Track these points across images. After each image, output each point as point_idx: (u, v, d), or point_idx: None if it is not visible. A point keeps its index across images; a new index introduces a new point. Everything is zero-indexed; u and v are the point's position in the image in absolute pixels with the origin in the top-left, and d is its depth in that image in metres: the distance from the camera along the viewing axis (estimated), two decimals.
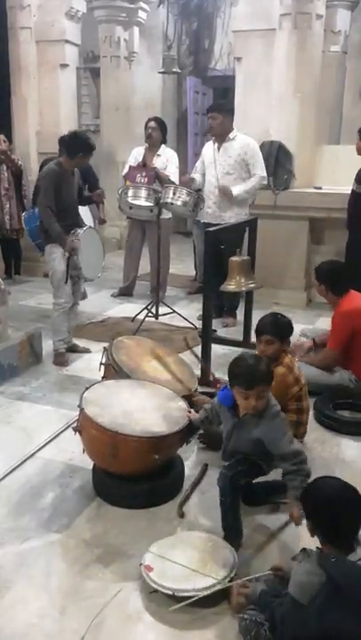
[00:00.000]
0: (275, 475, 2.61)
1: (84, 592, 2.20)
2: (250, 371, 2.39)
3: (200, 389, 3.49)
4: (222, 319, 5.29)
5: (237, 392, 2.42)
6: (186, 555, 2.25)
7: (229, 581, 2.12)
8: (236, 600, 2.07)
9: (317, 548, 1.86)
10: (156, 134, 5.69)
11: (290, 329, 3.14)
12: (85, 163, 4.53)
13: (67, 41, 7.34)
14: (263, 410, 2.41)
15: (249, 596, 2.04)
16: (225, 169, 5.03)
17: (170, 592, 2.09)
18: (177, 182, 5.49)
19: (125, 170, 5.72)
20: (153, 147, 5.73)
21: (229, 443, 2.58)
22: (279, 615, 1.83)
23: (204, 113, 9.54)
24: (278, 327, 3.07)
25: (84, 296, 5.52)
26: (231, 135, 5.05)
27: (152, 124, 5.72)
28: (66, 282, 4.26)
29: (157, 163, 5.64)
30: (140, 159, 5.72)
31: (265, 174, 5.08)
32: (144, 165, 5.60)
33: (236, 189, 4.96)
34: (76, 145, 4.23)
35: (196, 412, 2.85)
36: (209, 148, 5.23)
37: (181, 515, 2.62)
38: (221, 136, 5.06)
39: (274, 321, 3.11)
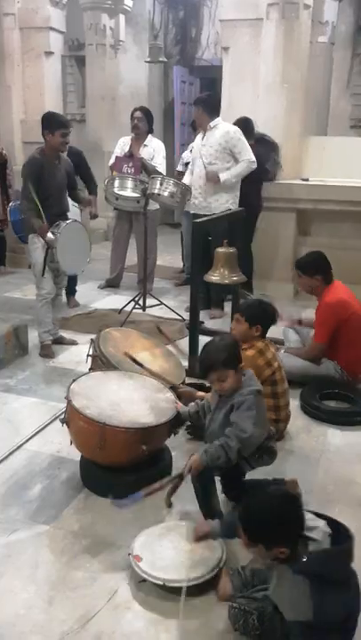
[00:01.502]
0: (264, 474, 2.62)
1: (72, 582, 2.20)
2: (203, 358, 2.52)
3: (188, 380, 3.50)
4: (210, 311, 5.29)
5: None
6: (174, 544, 2.27)
7: (218, 570, 2.14)
8: (223, 588, 2.09)
9: (242, 567, 1.97)
10: (142, 124, 5.66)
11: (263, 315, 3.12)
12: (69, 147, 4.49)
13: (51, 28, 7.26)
14: (236, 390, 2.45)
15: (236, 585, 2.06)
16: (207, 159, 5.03)
17: (160, 582, 2.10)
18: (164, 173, 5.47)
19: (112, 160, 5.68)
20: (139, 137, 5.69)
21: (210, 425, 2.59)
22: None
23: (191, 103, 9.54)
24: (250, 309, 3.13)
25: (72, 291, 5.49)
26: (212, 124, 5.04)
27: (138, 113, 5.68)
28: (43, 274, 4.24)
29: (144, 153, 5.61)
30: (127, 149, 5.68)
31: (253, 159, 5.07)
32: (131, 156, 5.56)
33: (224, 175, 4.96)
34: (54, 120, 4.22)
35: (184, 404, 2.86)
36: (197, 139, 5.28)
37: (169, 504, 2.62)
38: (203, 125, 5.10)
39: (251, 303, 3.19)
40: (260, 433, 2.42)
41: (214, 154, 5.02)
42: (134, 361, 3.28)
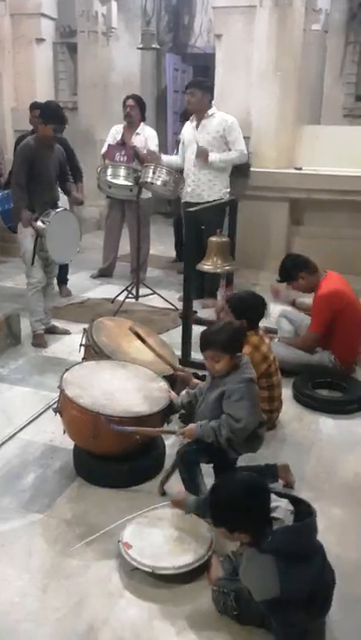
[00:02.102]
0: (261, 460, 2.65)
1: (66, 570, 2.21)
2: (203, 335, 2.54)
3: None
4: (203, 300, 5.29)
5: None
6: (164, 532, 2.29)
7: (208, 557, 2.16)
8: (214, 573, 2.12)
9: (233, 552, 1.99)
10: (135, 112, 5.62)
11: (250, 309, 3.10)
12: (61, 137, 4.46)
13: (42, 14, 7.17)
14: (228, 374, 2.48)
15: (227, 570, 2.10)
16: (204, 145, 4.99)
17: (149, 569, 2.12)
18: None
19: (104, 148, 5.64)
20: (132, 125, 5.65)
21: (200, 405, 2.62)
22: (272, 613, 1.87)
23: (183, 91, 9.46)
24: (237, 303, 3.14)
25: (64, 280, 5.46)
26: (210, 112, 5.02)
27: (130, 101, 5.64)
28: (32, 263, 4.22)
29: (137, 141, 5.58)
30: (119, 137, 5.64)
31: (245, 151, 5.06)
32: (123, 144, 5.53)
33: (213, 155, 4.94)
34: (52, 114, 4.18)
35: (180, 390, 2.88)
36: (188, 127, 5.20)
37: (162, 493, 2.64)
38: (200, 112, 5.03)
39: (239, 297, 3.20)
40: (253, 421, 2.45)
41: (211, 141, 5.00)
42: (138, 336, 3.29)
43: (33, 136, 4.27)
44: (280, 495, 1.93)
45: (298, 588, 1.79)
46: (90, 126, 8.04)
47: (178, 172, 4.95)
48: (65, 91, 8.97)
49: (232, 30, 5.77)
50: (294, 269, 3.82)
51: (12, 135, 7.07)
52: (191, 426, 2.50)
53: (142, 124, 5.71)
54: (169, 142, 8.80)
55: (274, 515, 1.85)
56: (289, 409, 3.39)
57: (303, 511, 1.88)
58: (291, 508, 1.88)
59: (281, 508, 1.86)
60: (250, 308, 3.11)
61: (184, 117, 5.86)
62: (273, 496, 1.90)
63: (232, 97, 5.66)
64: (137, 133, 5.64)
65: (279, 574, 1.76)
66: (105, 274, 6.12)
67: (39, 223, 4.10)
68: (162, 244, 7.29)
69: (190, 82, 5.43)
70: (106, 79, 8.17)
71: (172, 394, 2.86)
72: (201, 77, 6.08)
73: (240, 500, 1.84)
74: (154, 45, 7.15)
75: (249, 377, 2.49)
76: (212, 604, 2.04)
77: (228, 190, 5.14)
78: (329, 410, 3.47)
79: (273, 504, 1.87)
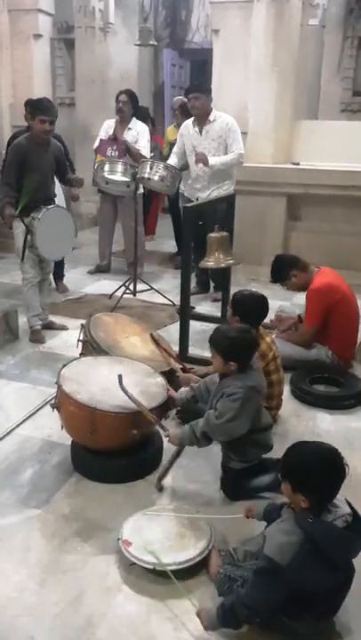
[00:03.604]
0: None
1: (64, 565, 2.21)
2: (216, 331, 2.64)
3: (178, 366, 3.50)
4: (212, 294, 5.30)
5: None
6: (163, 528, 2.28)
7: (208, 552, 2.16)
8: (214, 567, 2.11)
9: (234, 548, 1.97)
10: (127, 108, 5.59)
11: (252, 310, 3.08)
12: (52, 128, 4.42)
13: (40, 10, 7.16)
14: (233, 377, 2.52)
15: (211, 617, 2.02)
16: (210, 152, 4.94)
17: (150, 566, 2.12)
18: (147, 156, 5.43)
19: (96, 143, 5.63)
20: (124, 120, 5.64)
21: (209, 406, 2.64)
22: (250, 584, 1.86)
23: (181, 87, 9.44)
24: (239, 304, 3.12)
25: (60, 276, 5.45)
26: (211, 117, 4.96)
27: (123, 97, 5.62)
28: (22, 259, 4.21)
29: (128, 136, 5.56)
30: (111, 132, 5.62)
31: (243, 151, 5.05)
32: (115, 139, 5.52)
33: (213, 159, 4.92)
34: (32, 104, 4.16)
35: (176, 388, 2.88)
36: (189, 130, 5.10)
37: (160, 488, 2.65)
38: (204, 116, 4.97)
39: (241, 297, 3.16)
40: (239, 426, 2.45)
41: (217, 147, 4.96)
42: (156, 343, 3.30)
43: (26, 135, 4.22)
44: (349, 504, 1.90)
45: (301, 578, 1.77)
46: (87, 122, 8.02)
47: (175, 167, 4.93)
48: (62, 87, 8.95)
49: (229, 25, 5.77)
50: (285, 269, 3.82)
51: (10, 131, 7.04)
52: (172, 433, 2.58)
53: (134, 119, 5.68)
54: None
55: (335, 508, 1.83)
56: (287, 404, 3.39)
57: (356, 528, 1.84)
58: (350, 518, 1.83)
59: (341, 510, 1.83)
60: (251, 308, 3.10)
61: (185, 112, 5.80)
62: (343, 499, 1.88)
63: (229, 92, 5.66)
64: (129, 128, 5.62)
65: (295, 553, 1.75)
66: (102, 269, 6.11)
67: (29, 219, 4.09)
68: (159, 239, 7.29)
69: (191, 87, 5.32)
70: (103, 75, 8.15)
71: (171, 391, 2.86)
72: (198, 74, 6.07)
73: (319, 462, 1.81)
74: (151, 41, 7.14)
75: (251, 384, 2.48)
76: (211, 600, 2.03)
77: (233, 187, 5.13)
78: (326, 405, 3.47)
79: (338, 504, 1.85)
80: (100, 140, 5.57)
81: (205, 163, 4.90)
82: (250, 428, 2.50)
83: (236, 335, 2.56)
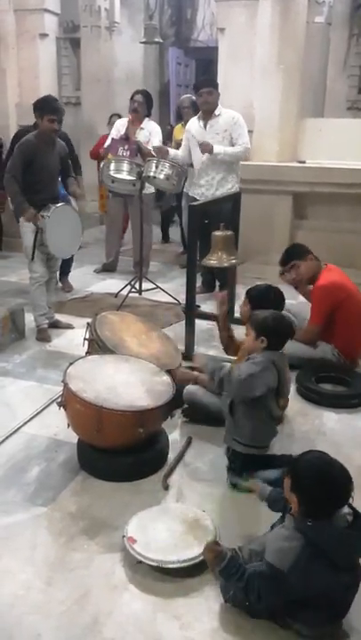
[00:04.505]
0: None
1: (70, 563, 2.22)
2: (262, 311, 2.79)
3: (184, 364, 3.50)
4: (217, 293, 5.29)
5: None
6: (168, 526, 2.29)
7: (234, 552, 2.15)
8: (207, 557, 2.07)
9: (289, 513, 1.92)
10: (142, 108, 5.60)
11: (268, 301, 3.07)
12: (60, 131, 4.43)
13: (46, 10, 7.15)
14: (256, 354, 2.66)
15: (220, 555, 2.04)
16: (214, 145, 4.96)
17: (155, 564, 2.12)
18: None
19: (107, 142, 5.63)
20: (137, 120, 5.64)
21: None
22: (256, 586, 1.87)
23: (187, 85, 9.44)
24: (255, 294, 3.16)
25: (66, 272, 5.47)
26: (217, 112, 4.99)
27: (139, 97, 5.63)
28: (32, 258, 4.22)
29: (140, 136, 5.57)
30: (123, 132, 5.63)
31: (249, 145, 5.06)
32: (126, 138, 5.52)
33: (218, 147, 4.92)
34: (40, 104, 4.15)
35: (181, 389, 2.91)
36: (194, 125, 5.14)
37: (166, 487, 2.65)
38: (211, 111, 4.99)
39: (258, 288, 3.19)
40: (253, 384, 2.54)
41: (221, 141, 4.98)
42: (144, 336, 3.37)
43: (35, 132, 4.23)
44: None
45: (305, 582, 1.77)
46: (93, 121, 8.03)
47: (180, 166, 4.93)
48: (68, 86, 8.96)
49: (235, 23, 5.74)
50: (288, 255, 3.87)
51: (17, 130, 7.05)
52: (203, 360, 2.80)
53: (147, 119, 5.69)
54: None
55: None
56: (293, 403, 3.37)
57: (357, 526, 1.84)
58: (350, 517, 1.84)
59: (339, 511, 1.84)
60: (266, 301, 3.10)
61: (180, 115, 5.80)
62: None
63: (235, 90, 5.64)
64: (141, 128, 5.63)
65: (295, 558, 1.77)
66: (108, 269, 6.12)
67: (39, 218, 4.11)
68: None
69: (203, 81, 5.24)
70: (109, 74, 8.16)
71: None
72: (203, 73, 6.06)
73: (316, 476, 1.82)
74: (157, 39, 7.14)
75: (273, 359, 2.62)
76: (217, 598, 2.03)
77: (238, 186, 5.12)
78: (333, 404, 3.47)
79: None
80: (112, 139, 5.58)
81: (210, 151, 4.91)
82: (263, 402, 2.60)
83: (276, 316, 2.73)
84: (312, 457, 1.92)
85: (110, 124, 6.54)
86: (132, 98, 5.67)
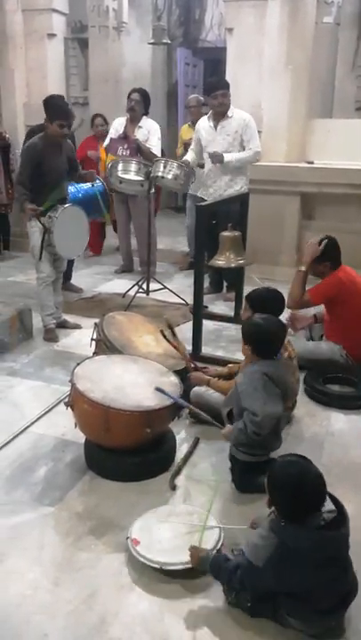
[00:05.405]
0: None
1: (77, 563, 2.22)
2: (256, 318, 2.77)
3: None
4: (225, 294, 5.29)
5: None
6: (172, 528, 2.28)
7: (217, 552, 2.15)
8: (192, 563, 2.08)
9: (271, 513, 1.96)
10: (139, 107, 5.58)
11: (268, 305, 3.05)
12: (69, 133, 4.42)
13: (54, 10, 7.17)
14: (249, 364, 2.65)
15: (203, 559, 2.05)
16: (224, 147, 4.95)
17: (157, 566, 2.12)
18: (158, 154, 5.42)
19: (106, 142, 5.63)
20: (135, 118, 5.63)
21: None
22: (239, 576, 1.93)
23: (194, 85, 9.43)
24: (255, 298, 3.13)
25: (68, 276, 5.46)
26: (229, 113, 4.96)
27: (135, 95, 5.61)
28: (40, 258, 4.23)
29: (139, 134, 5.55)
30: (122, 131, 5.62)
31: (260, 149, 5.04)
32: (125, 137, 5.51)
33: (229, 156, 4.91)
34: (52, 107, 4.12)
35: (188, 389, 2.90)
36: (205, 125, 5.11)
37: (173, 487, 2.65)
38: (225, 113, 4.97)
39: (258, 292, 3.17)
40: (274, 409, 2.51)
41: (232, 142, 4.96)
42: (166, 339, 3.35)
43: (41, 134, 4.22)
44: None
45: (282, 579, 1.84)
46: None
47: (188, 165, 4.93)
48: (76, 86, 8.96)
49: (243, 24, 5.74)
50: (326, 255, 3.76)
51: (25, 131, 7.07)
52: (228, 428, 2.63)
53: (144, 117, 5.66)
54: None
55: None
56: (301, 405, 3.37)
57: (338, 519, 1.88)
58: (330, 515, 1.86)
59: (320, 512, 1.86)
60: (268, 303, 3.09)
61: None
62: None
63: (243, 91, 5.63)
64: (139, 127, 5.61)
65: (269, 555, 1.84)
66: (126, 269, 6.13)
67: (47, 218, 4.11)
68: (171, 239, 7.29)
69: (217, 82, 5.11)
70: (117, 74, 8.16)
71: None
72: (211, 73, 6.05)
73: (282, 480, 1.88)
74: (165, 40, 7.13)
75: (264, 371, 2.54)
76: (222, 598, 2.03)
77: (246, 187, 5.11)
78: (340, 405, 3.45)
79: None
80: (111, 138, 5.58)
81: (221, 161, 4.90)
82: None
83: (259, 322, 2.68)
84: (286, 461, 1.96)
85: (94, 125, 6.51)
86: (128, 96, 5.66)
